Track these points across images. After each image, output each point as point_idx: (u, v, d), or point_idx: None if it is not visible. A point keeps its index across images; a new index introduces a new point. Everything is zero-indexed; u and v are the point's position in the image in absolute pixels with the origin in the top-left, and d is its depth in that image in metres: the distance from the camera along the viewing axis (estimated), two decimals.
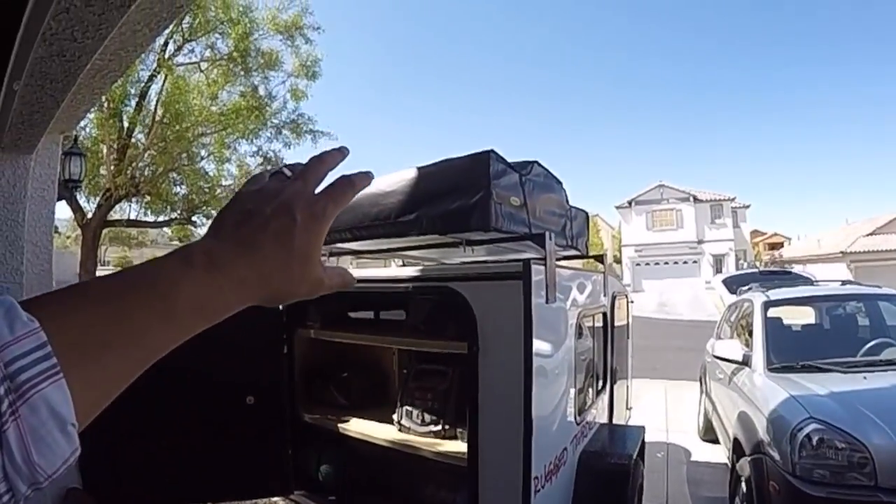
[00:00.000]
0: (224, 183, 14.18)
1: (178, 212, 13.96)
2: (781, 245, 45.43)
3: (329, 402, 3.23)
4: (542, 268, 2.29)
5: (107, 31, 1.74)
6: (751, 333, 4.70)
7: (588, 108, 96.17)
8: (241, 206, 0.53)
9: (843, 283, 6.12)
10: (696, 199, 39.01)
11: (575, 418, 2.85)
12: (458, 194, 2.38)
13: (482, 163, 2.37)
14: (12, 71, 1.87)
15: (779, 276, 8.66)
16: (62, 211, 12.41)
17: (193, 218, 14.20)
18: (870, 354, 4.15)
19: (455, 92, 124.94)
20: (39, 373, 0.35)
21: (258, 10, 12.82)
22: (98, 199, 12.01)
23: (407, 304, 3.04)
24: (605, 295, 3.62)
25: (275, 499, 3.26)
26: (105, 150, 11.96)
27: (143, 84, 12.15)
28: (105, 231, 13.33)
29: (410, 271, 2.95)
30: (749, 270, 17.56)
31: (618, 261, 40.88)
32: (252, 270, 0.49)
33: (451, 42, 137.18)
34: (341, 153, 0.60)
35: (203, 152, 13.78)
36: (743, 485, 3.62)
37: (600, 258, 4.09)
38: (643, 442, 3.58)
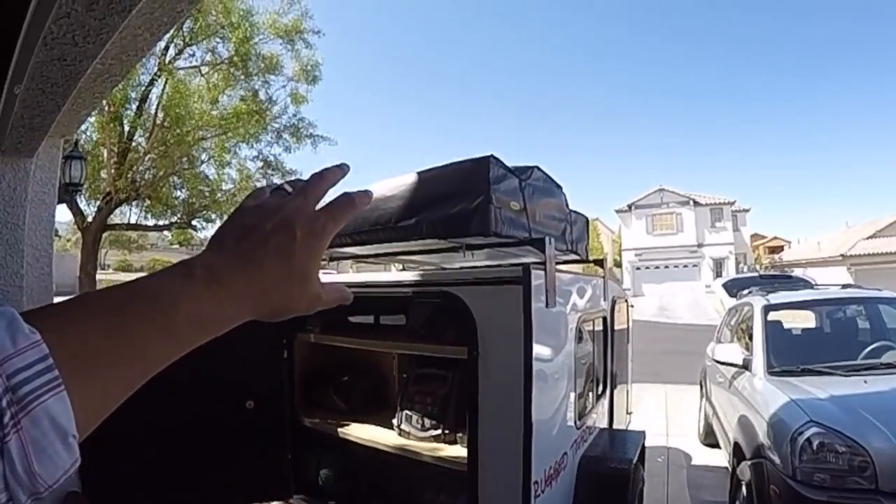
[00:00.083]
0: (224, 187, 14.24)
1: (179, 215, 13.98)
2: (781, 248, 45.39)
3: (329, 406, 3.23)
4: (542, 272, 2.29)
5: (108, 36, 1.75)
6: (751, 337, 4.70)
7: (588, 113, 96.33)
8: (241, 221, 0.53)
9: (844, 286, 6.13)
10: (696, 203, 39.01)
11: (575, 423, 2.85)
12: (459, 199, 2.38)
13: (482, 167, 2.37)
14: (13, 75, 1.87)
15: (779, 279, 8.64)
16: (62, 214, 12.45)
17: (193, 222, 14.24)
18: (870, 358, 4.15)
19: (455, 97, 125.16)
20: (41, 385, 0.36)
21: (258, 15, 12.88)
22: (98, 202, 12.04)
23: (407, 308, 3.04)
24: (605, 299, 3.62)
25: (274, 503, 3.25)
26: (106, 154, 11.99)
27: (143, 88, 12.19)
28: (105, 234, 13.35)
29: (410, 276, 2.95)
30: (749, 274, 17.58)
31: (618, 265, 40.88)
32: (252, 285, 0.49)
33: (452, 48, 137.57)
34: (342, 170, 0.60)
35: (203, 156, 13.82)
36: (743, 489, 3.61)
37: (600, 262, 4.09)
38: (643, 446, 3.57)
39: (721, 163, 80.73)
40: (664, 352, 13.11)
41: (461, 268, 3.40)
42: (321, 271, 0.56)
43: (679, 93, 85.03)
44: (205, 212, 13.93)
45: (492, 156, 2.41)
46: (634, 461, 3.12)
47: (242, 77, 13.20)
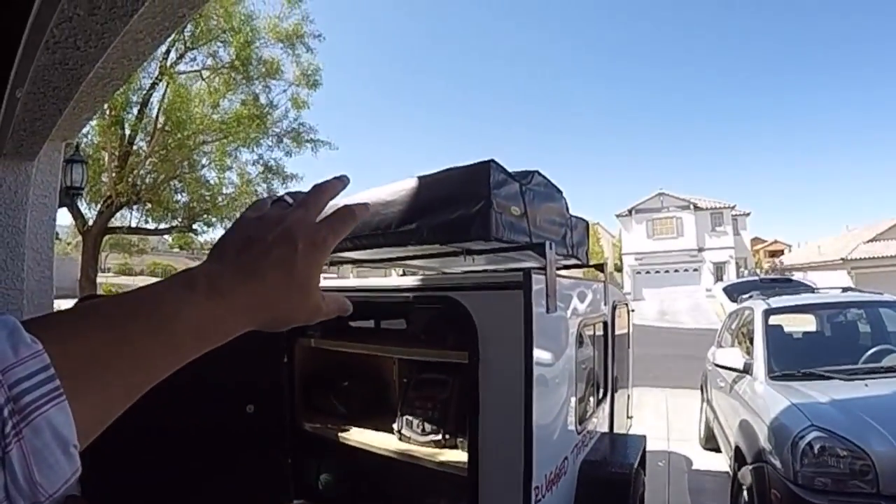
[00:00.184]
0: (225, 191, 14.22)
1: (179, 219, 13.97)
2: (782, 252, 45.41)
3: (329, 411, 3.22)
4: (543, 277, 2.29)
5: (109, 40, 1.75)
6: (752, 341, 4.70)
7: (588, 117, 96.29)
8: (242, 232, 0.53)
9: (844, 289, 6.13)
10: (696, 207, 39.00)
11: (576, 427, 2.84)
12: (459, 204, 2.39)
13: (483, 172, 2.38)
14: (15, 79, 1.88)
15: (779, 283, 8.66)
16: (63, 218, 12.46)
17: (194, 226, 14.23)
18: (871, 361, 4.15)
19: (455, 102, 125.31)
20: (43, 395, 0.36)
21: (259, 19, 12.88)
22: (99, 206, 12.02)
23: (407, 313, 3.04)
24: (605, 304, 3.62)
25: None
26: (106, 158, 12.00)
27: (144, 92, 12.19)
28: (106, 238, 13.32)
29: (411, 281, 2.95)
30: (750, 278, 17.55)
31: (618, 269, 40.88)
32: (253, 297, 0.50)
33: (451, 53, 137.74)
34: (342, 182, 0.61)
35: (204, 160, 13.81)
36: (745, 493, 3.61)
37: (601, 267, 4.09)
38: (644, 451, 3.57)
39: (721, 167, 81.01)
40: (665, 356, 13.09)
41: (462, 273, 3.40)
42: (321, 276, 0.56)
43: (679, 97, 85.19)
44: (205, 216, 13.92)
45: (492, 161, 2.42)
46: (635, 466, 3.12)
47: (243, 81, 13.20)
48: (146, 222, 13.97)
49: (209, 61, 12.92)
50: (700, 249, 38.16)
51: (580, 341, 2.91)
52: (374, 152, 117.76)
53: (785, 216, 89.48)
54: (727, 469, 4.68)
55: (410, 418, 2.81)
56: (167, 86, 12.08)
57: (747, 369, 4.39)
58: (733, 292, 7.32)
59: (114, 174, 11.75)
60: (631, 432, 4.34)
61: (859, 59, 77.83)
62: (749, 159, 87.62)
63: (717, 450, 5.52)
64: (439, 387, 2.83)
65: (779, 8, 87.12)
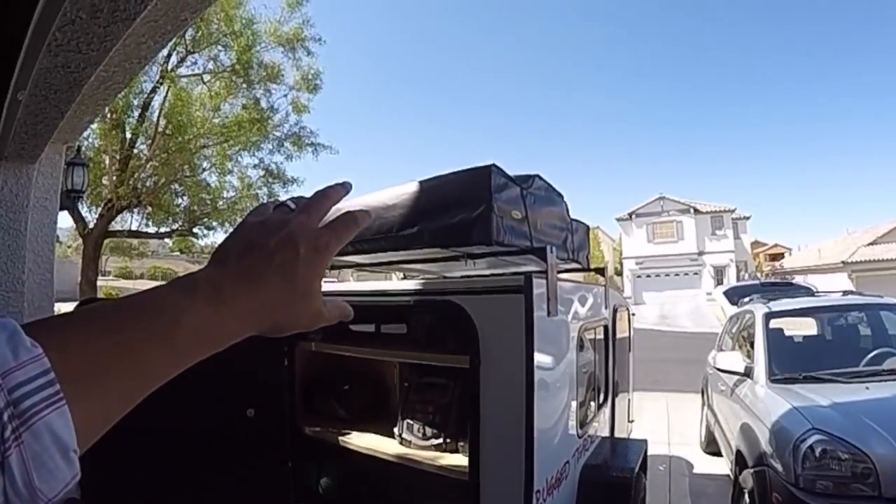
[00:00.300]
0: (225, 195, 14.26)
1: (180, 223, 14.00)
2: (782, 256, 45.43)
3: (330, 414, 3.22)
4: (544, 281, 2.29)
5: (111, 44, 1.75)
6: (752, 345, 4.70)
7: (588, 122, 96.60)
8: (244, 237, 0.53)
9: (845, 293, 6.13)
10: (696, 211, 39.05)
11: (577, 431, 2.84)
12: (460, 208, 2.39)
13: (484, 176, 2.38)
14: (17, 81, 1.88)
15: (780, 287, 8.63)
16: (63, 220, 12.44)
17: (195, 229, 14.26)
18: (872, 364, 4.15)
19: (456, 106, 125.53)
20: (42, 399, 0.35)
21: (260, 23, 12.91)
22: (100, 209, 12.05)
23: (408, 317, 3.04)
24: (606, 308, 3.61)
25: None
26: (107, 161, 12.03)
27: (146, 95, 12.24)
28: (106, 241, 13.35)
29: (412, 284, 2.95)
30: (750, 282, 17.55)
31: (619, 273, 40.89)
32: (255, 302, 0.49)
33: (453, 58, 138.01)
34: (344, 188, 0.61)
35: (205, 164, 13.85)
36: (746, 497, 3.61)
37: (601, 271, 4.09)
38: (645, 455, 3.55)
39: (721, 171, 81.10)
40: (665, 360, 13.08)
41: (463, 276, 3.39)
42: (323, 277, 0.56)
43: (679, 101, 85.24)
44: (206, 219, 13.96)
45: (493, 165, 2.42)
46: (636, 470, 3.11)
47: (244, 85, 13.24)
48: (147, 226, 14.01)
49: (210, 65, 12.98)
50: (700, 253, 38.18)
51: (581, 345, 2.91)
52: (374, 155, 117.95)
53: (785, 220, 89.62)
54: (728, 473, 4.67)
55: (411, 422, 2.80)
56: (168, 89, 12.13)
57: (748, 373, 4.39)
58: (734, 296, 7.29)
59: (115, 177, 11.78)
60: (632, 436, 4.34)
61: (860, 64, 78.05)
62: (749, 163, 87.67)
63: (718, 453, 5.51)
64: (440, 391, 2.83)
65: (780, 16, 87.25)
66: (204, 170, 13.91)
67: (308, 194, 0.60)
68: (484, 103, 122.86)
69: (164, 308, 0.46)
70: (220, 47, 12.68)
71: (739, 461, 3.96)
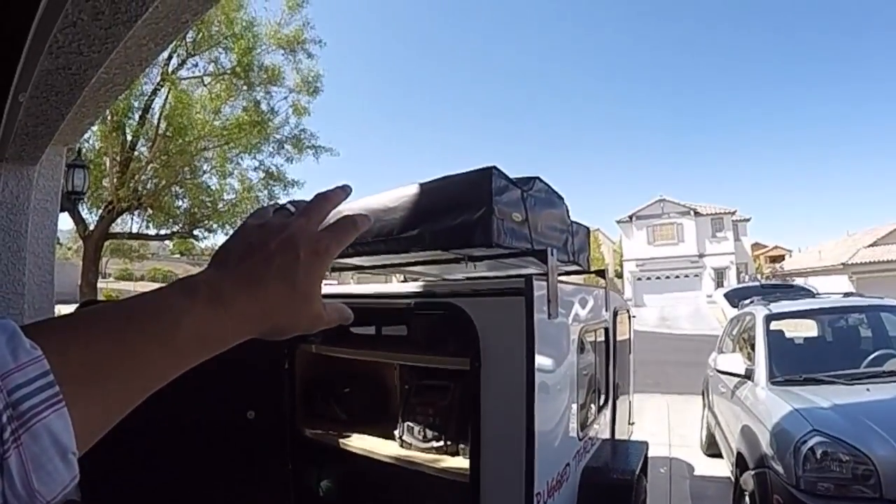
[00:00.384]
0: (226, 197, 14.27)
1: (180, 225, 14.01)
2: (782, 258, 45.41)
3: (330, 417, 3.22)
4: (544, 283, 2.29)
5: (113, 46, 1.76)
6: (753, 347, 4.70)
7: (589, 124, 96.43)
8: (244, 239, 0.53)
9: (845, 294, 6.12)
10: (696, 213, 39.06)
11: (577, 434, 2.84)
12: (461, 210, 2.39)
13: (484, 179, 2.38)
14: (18, 83, 1.89)
15: (781, 289, 8.63)
16: (64, 222, 12.45)
17: (195, 231, 14.26)
18: (873, 366, 4.14)
19: (456, 108, 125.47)
20: (42, 401, 0.35)
21: (260, 25, 12.94)
22: (100, 211, 12.06)
23: (409, 319, 3.04)
24: (606, 310, 3.61)
25: None
26: (108, 163, 12.03)
27: (146, 97, 12.25)
28: (107, 243, 13.36)
29: (412, 287, 2.95)
30: (750, 284, 17.55)
31: (619, 275, 40.89)
32: (254, 305, 0.49)
33: (453, 61, 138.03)
34: (344, 191, 0.61)
35: (205, 166, 13.86)
36: (747, 499, 3.60)
37: (602, 273, 4.09)
38: (646, 457, 3.55)
39: (721, 173, 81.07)
40: (666, 362, 13.07)
41: (463, 279, 3.40)
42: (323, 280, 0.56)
43: (680, 105, 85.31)
44: (206, 222, 13.96)
45: (494, 167, 2.42)
46: (637, 472, 3.11)
47: (244, 88, 13.25)
48: (147, 228, 14.01)
49: (210, 67, 12.99)
50: (701, 255, 38.18)
51: (581, 347, 2.91)
52: (375, 159, 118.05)
53: (785, 221, 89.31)
54: (729, 475, 4.66)
55: (412, 425, 2.80)
56: (169, 92, 12.14)
57: (749, 375, 4.38)
58: (734, 298, 7.30)
59: (115, 179, 11.79)
60: (632, 438, 4.33)
61: (860, 68, 78.07)
62: (749, 165, 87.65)
63: (719, 455, 5.50)
64: (440, 393, 2.82)
65: (781, 21, 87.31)
66: (204, 172, 13.93)
67: (308, 197, 0.60)
68: (485, 109, 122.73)
69: (164, 310, 0.46)
70: (220, 50, 12.71)
71: (740, 463, 3.95)
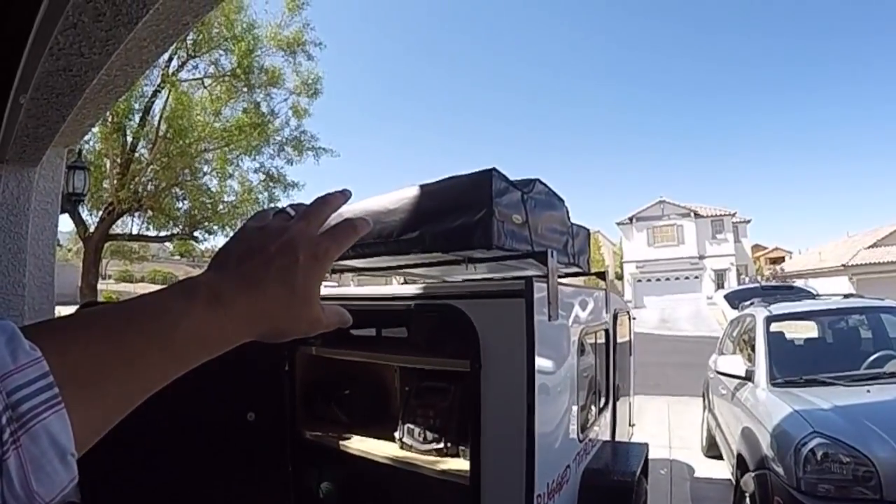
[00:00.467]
0: (226, 199, 14.27)
1: (180, 227, 14.00)
2: (783, 259, 45.37)
3: (330, 419, 3.21)
4: (545, 285, 2.29)
5: (113, 47, 1.76)
6: (753, 348, 4.69)
7: (589, 126, 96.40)
8: (244, 242, 0.54)
9: (846, 296, 6.12)
10: (696, 215, 39.06)
11: (578, 436, 2.83)
12: (461, 212, 2.39)
13: (484, 181, 2.38)
14: (19, 84, 1.89)
15: (781, 290, 8.62)
16: (64, 224, 12.45)
17: (195, 233, 14.26)
18: (873, 367, 4.14)
19: (456, 111, 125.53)
20: (41, 402, 0.35)
21: (261, 27, 12.94)
22: (101, 212, 12.06)
23: (409, 321, 3.04)
24: (606, 312, 3.61)
25: None
26: (108, 165, 12.04)
27: (147, 99, 12.26)
28: (107, 245, 13.36)
29: (412, 289, 2.95)
30: (751, 285, 17.52)
31: (619, 277, 40.89)
32: (254, 307, 0.50)
33: (454, 64, 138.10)
34: (344, 195, 0.62)
35: (206, 168, 13.87)
36: (747, 500, 3.60)
37: (602, 275, 4.09)
38: (646, 459, 3.55)
39: (722, 175, 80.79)
40: (666, 364, 13.06)
41: (463, 281, 3.40)
42: (322, 284, 0.56)
43: (679, 105, 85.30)
44: (206, 223, 13.96)
45: (494, 169, 2.42)
46: (637, 474, 3.11)
47: (245, 89, 13.26)
48: (147, 229, 14.00)
49: (211, 69, 12.99)
50: (701, 257, 38.17)
51: (582, 349, 2.91)
52: (375, 162, 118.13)
53: (785, 223, 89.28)
54: (729, 476, 4.66)
55: (412, 426, 2.80)
56: (169, 93, 12.14)
57: (749, 376, 4.38)
58: (734, 299, 7.29)
59: (115, 181, 11.79)
60: (633, 440, 4.33)
61: (860, 70, 78.07)
62: (749, 167, 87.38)
63: (720, 457, 5.50)
64: (441, 395, 2.82)
65: (782, 24, 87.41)
66: (205, 174, 13.95)
67: (308, 200, 0.61)
68: (485, 112, 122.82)
69: (163, 312, 0.46)
70: (220, 51, 12.71)
71: (741, 465, 3.95)
